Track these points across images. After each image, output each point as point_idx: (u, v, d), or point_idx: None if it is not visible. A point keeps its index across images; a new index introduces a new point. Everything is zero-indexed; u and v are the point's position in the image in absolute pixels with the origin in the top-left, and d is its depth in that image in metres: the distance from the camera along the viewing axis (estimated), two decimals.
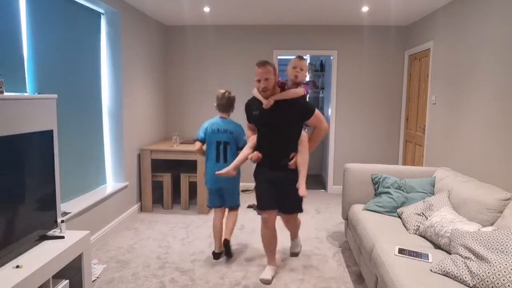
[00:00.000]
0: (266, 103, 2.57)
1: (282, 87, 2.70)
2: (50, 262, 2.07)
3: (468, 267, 1.90)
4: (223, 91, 3.13)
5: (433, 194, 3.02)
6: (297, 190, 2.58)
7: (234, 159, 2.88)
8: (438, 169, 3.28)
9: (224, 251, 3.18)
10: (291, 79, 2.77)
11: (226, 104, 3.12)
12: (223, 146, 3.07)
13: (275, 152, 2.68)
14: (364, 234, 2.69)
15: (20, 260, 2.04)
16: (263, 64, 2.52)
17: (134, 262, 3.09)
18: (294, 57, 2.81)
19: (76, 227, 3.01)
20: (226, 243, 3.14)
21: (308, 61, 7.18)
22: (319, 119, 2.65)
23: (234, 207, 3.26)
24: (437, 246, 2.38)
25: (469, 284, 1.85)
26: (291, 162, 2.65)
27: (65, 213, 2.86)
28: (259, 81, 2.53)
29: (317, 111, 2.63)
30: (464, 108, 3.43)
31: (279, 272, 2.95)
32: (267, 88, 2.53)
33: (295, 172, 2.64)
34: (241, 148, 3.00)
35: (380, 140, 5.34)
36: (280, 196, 2.70)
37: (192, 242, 3.55)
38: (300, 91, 2.63)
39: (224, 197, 3.20)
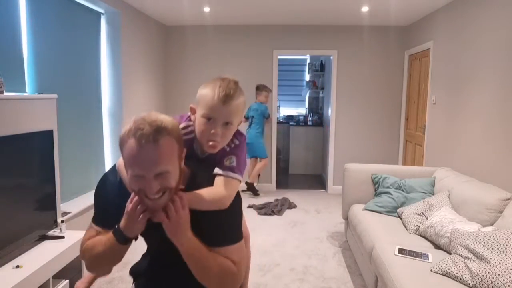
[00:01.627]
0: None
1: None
2: (50, 262, 2.07)
3: (468, 267, 1.90)
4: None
5: (433, 194, 3.02)
6: None
7: (256, 127, 4.82)
8: (438, 169, 3.28)
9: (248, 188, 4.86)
10: (198, 138, 1.12)
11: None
12: (250, 119, 4.90)
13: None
14: (364, 234, 2.69)
15: (20, 260, 2.04)
16: (150, 140, 0.92)
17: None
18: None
19: (76, 227, 3.00)
20: (250, 184, 4.85)
21: (308, 61, 7.18)
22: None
23: (263, 157, 4.91)
24: (437, 246, 2.38)
25: (469, 284, 1.85)
26: None
27: (65, 213, 2.86)
28: (137, 177, 0.96)
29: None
30: (464, 108, 3.43)
31: (279, 272, 2.95)
32: (164, 189, 0.98)
33: None
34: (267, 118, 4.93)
35: (380, 140, 5.34)
36: None
37: None
38: (230, 190, 1.11)
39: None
